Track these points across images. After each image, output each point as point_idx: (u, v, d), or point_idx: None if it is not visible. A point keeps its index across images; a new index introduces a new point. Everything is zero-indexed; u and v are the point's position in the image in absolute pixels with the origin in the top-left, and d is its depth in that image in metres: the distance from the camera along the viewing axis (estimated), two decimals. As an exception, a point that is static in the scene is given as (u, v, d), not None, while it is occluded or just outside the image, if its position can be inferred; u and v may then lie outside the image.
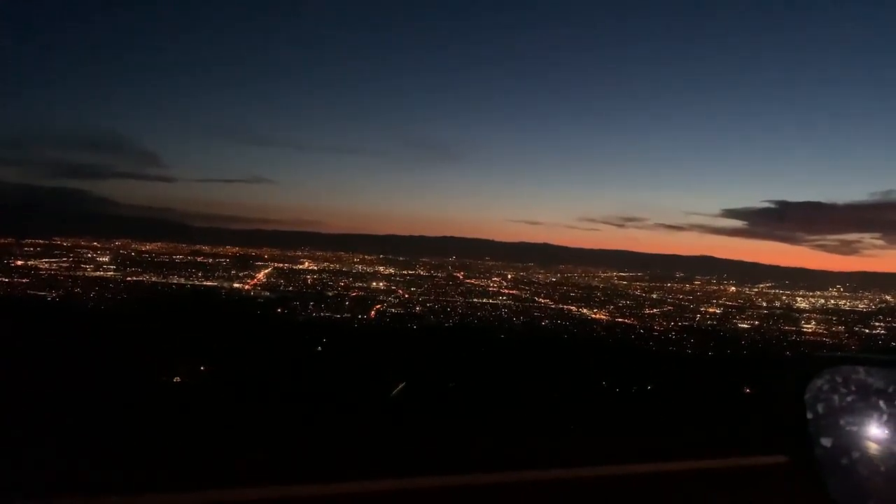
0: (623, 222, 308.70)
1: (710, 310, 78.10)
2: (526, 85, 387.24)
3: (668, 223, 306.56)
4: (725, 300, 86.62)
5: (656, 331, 63.28)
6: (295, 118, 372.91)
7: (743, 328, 67.28)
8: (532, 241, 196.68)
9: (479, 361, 25.61)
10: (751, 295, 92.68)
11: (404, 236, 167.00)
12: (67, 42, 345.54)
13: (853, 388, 1.20)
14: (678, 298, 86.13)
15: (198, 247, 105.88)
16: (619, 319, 69.68)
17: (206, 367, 18.19)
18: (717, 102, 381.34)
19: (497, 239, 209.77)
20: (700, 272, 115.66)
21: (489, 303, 75.01)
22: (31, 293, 55.23)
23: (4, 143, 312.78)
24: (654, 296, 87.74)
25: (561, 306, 76.18)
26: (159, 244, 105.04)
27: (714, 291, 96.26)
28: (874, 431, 1.16)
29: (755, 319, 72.13)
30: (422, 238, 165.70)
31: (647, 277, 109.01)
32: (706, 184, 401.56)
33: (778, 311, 77.73)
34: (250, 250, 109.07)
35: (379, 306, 66.78)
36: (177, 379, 15.91)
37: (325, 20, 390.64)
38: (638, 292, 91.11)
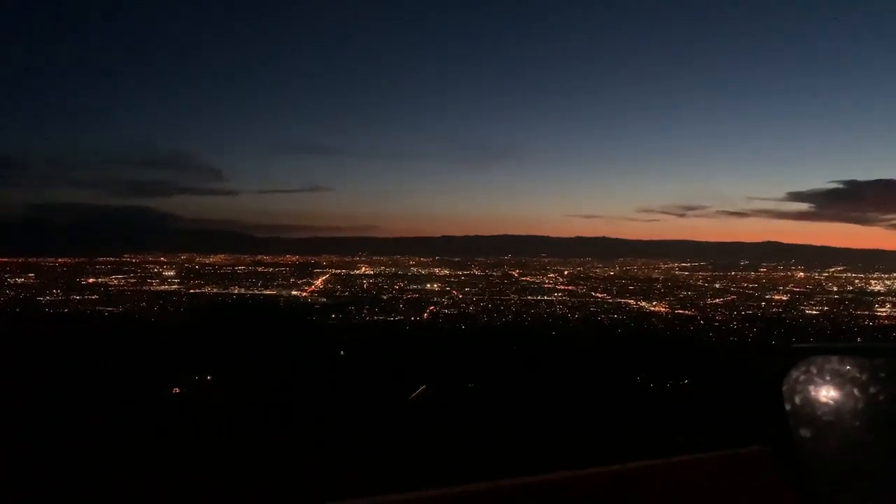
0: (683, 211, 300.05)
1: (776, 297, 75.12)
2: (576, 78, 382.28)
3: (730, 210, 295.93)
4: (793, 286, 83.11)
5: (717, 321, 61.21)
6: (349, 126, 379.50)
7: (811, 315, 64.34)
8: (589, 235, 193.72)
9: (515, 361, 25.26)
10: (820, 280, 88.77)
11: (459, 237, 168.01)
12: (131, 67, 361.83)
13: (829, 378, 1.22)
14: (742, 287, 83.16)
15: (260, 257, 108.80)
16: (679, 311, 67.76)
17: (233, 374, 18.67)
18: (776, 81, 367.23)
19: (553, 235, 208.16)
20: (766, 259, 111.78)
21: (544, 300, 74.11)
22: (100, 309, 57.85)
23: (76, 166, 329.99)
24: (717, 285, 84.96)
25: (619, 300, 74.73)
26: (223, 256, 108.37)
27: (781, 278, 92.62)
28: (851, 420, 1.18)
29: (824, 305, 68.91)
30: (477, 238, 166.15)
31: (709, 267, 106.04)
32: (769, 167, 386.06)
33: (849, 296, 74.03)
34: (310, 258, 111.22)
35: (432, 307, 66.90)
36: (178, 390, 16.53)
37: (376, 31, 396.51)
38: (700, 282, 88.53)
